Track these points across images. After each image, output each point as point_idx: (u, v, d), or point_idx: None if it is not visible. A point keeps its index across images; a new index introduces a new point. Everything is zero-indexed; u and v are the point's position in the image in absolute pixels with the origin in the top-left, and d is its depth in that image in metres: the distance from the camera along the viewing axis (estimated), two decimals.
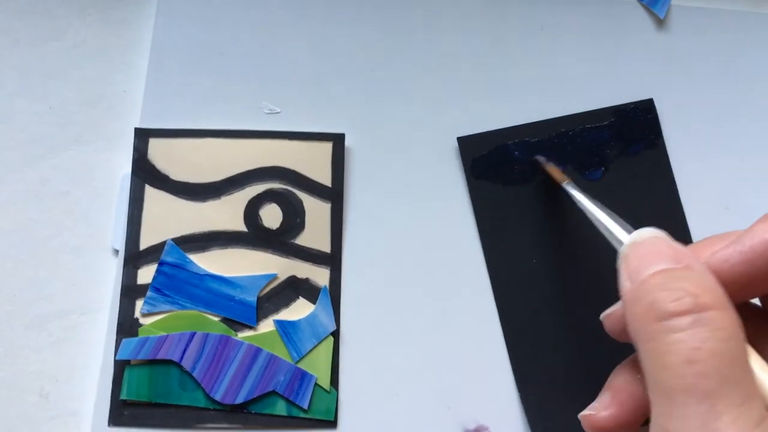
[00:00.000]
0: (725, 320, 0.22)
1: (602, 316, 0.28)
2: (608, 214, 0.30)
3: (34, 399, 0.36)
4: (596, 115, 0.40)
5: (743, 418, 0.20)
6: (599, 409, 0.27)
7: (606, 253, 0.38)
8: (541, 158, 0.39)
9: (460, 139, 0.40)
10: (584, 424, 0.27)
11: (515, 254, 0.38)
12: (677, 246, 0.24)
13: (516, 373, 0.37)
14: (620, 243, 0.27)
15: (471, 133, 0.40)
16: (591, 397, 0.36)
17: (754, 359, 0.23)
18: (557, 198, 0.39)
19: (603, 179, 0.39)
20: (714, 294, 0.22)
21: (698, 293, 0.22)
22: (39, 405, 0.36)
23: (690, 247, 0.25)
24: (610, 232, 0.29)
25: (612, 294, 0.37)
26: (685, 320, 0.22)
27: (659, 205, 0.39)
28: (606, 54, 0.42)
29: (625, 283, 0.25)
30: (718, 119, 0.41)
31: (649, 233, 0.25)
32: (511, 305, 0.38)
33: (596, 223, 0.30)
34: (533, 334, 0.37)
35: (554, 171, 0.37)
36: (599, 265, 0.38)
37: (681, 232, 0.39)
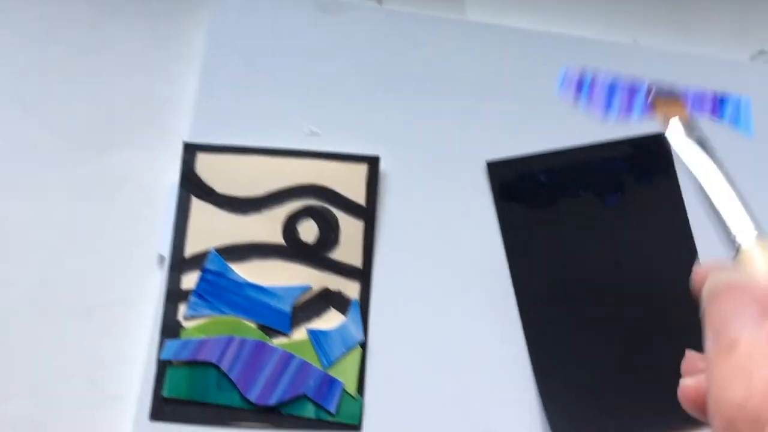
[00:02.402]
0: None
1: (681, 388, 0.27)
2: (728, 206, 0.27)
3: (82, 383, 0.39)
4: (615, 145, 0.43)
5: None
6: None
7: (628, 269, 0.41)
8: (655, 88, 0.36)
9: (490, 164, 0.42)
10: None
11: (540, 272, 0.41)
12: (760, 293, 0.23)
13: (538, 381, 0.39)
14: (735, 239, 0.25)
15: (499, 157, 0.42)
16: (610, 404, 0.37)
17: None
18: (580, 219, 0.41)
19: (619, 205, 0.42)
20: None
21: None
22: (86, 389, 0.39)
23: None
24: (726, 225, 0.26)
25: (634, 309, 0.39)
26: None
27: (671, 231, 0.42)
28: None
29: (709, 349, 0.23)
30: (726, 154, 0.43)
31: (727, 279, 0.24)
32: (536, 320, 0.40)
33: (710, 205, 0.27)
34: (556, 347, 0.40)
35: (672, 105, 0.34)
36: (621, 281, 0.40)
37: (689, 255, 0.41)
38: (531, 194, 0.42)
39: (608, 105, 0.35)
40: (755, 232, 0.25)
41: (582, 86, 0.36)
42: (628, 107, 0.35)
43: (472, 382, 0.39)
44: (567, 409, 0.38)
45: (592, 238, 0.41)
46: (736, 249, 0.25)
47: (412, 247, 0.41)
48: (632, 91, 0.36)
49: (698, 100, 0.35)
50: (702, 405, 0.24)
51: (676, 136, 0.30)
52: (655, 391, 0.38)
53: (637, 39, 0.46)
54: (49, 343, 0.39)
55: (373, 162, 0.41)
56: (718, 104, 0.36)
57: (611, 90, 0.36)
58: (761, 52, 0.46)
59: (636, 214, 0.42)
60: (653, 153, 0.42)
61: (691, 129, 0.30)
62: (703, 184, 0.27)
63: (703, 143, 0.29)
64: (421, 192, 0.42)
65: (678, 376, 0.31)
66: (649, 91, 0.36)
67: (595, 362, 0.39)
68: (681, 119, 0.30)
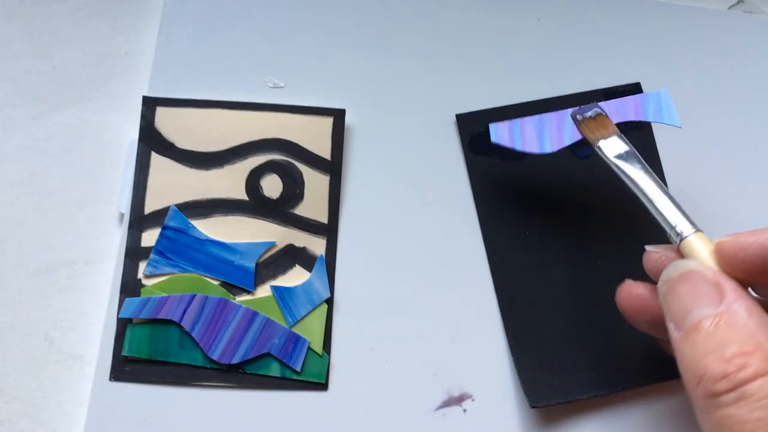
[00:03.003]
0: None
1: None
2: (667, 201, 0.31)
3: (39, 343, 0.38)
4: (587, 96, 0.41)
5: None
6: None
7: (599, 223, 0.40)
8: (579, 114, 0.37)
9: (459, 116, 0.41)
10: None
11: (510, 225, 0.40)
12: (715, 275, 0.26)
13: (510, 338, 0.38)
14: (675, 233, 0.30)
15: (469, 110, 0.41)
16: (585, 360, 0.37)
17: None
18: (551, 172, 0.40)
19: (592, 157, 0.41)
20: (759, 351, 0.23)
21: (742, 360, 0.23)
22: (44, 348, 0.38)
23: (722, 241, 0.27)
24: (665, 219, 0.31)
25: (603, 258, 0.39)
26: (730, 397, 0.23)
27: None
28: (596, 40, 0.43)
29: (673, 333, 0.26)
30: (702, 106, 0.42)
31: (684, 267, 0.27)
32: (506, 274, 0.39)
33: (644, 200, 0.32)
34: (527, 300, 0.39)
35: (599, 124, 0.36)
36: (591, 234, 0.40)
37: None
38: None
39: (541, 143, 0.38)
40: (694, 228, 0.29)
41: (513, 133, 0.38)
42: (560, 138, 0.38)
43: (441, 340, 0.38)
44: (539, 369, 0.37)
45: (563, 191, 0.40)
46: (678, 240, 0.29)
47: (379, 202, 0.40)
48: (559, 123, 0.38)
49: (621, 109, 0.38)
50: (647, 310, 0.30)
51: (608, 152, 0.34)
52: (628, 347, 0.38)
53: None
54: (6, 302, 0.38)
55: (338, 114, 0.40)
56: (640, 106, 0.38)
57: (540, 128, 0.38)
58: (740, 2, 0.45)
59: (609, 167, 0.41)
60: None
61: (621, 141, 0.34)
62: (643, 190, 0.32)
63: (633, 154, 0.33)
64: (388, 146, 0.41)
65: None
66: (574, 118, 0.37)
67: (568, 319, 0.38)
68: (610, 134, 0.35)
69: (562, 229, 0.40)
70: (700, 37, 0.43)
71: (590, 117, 0.37)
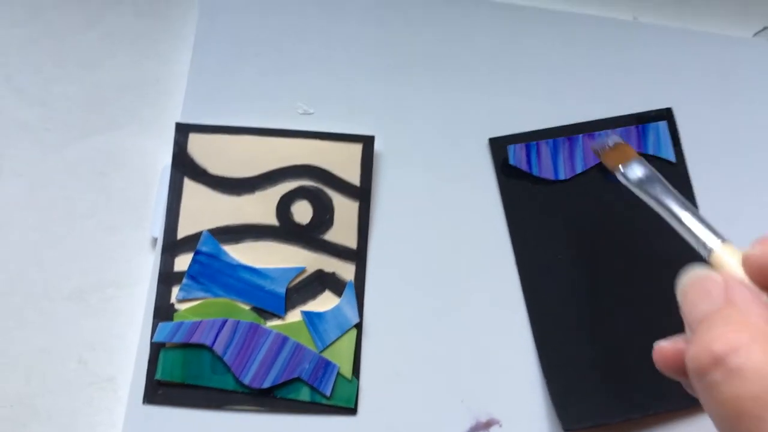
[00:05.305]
0: (760, 355, 0.23)
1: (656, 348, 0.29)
2: (692, 218, 0.31)
3: (73, 365, 0.39)
4: (619, 120, 0.42)
5: None
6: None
7: (630, 247, 0.40)
8: (597, 146, 0.38)
9: (492, 140, 0.41)
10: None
11: (544, 250, 0.40)
12: (725, 278, 0.26)
13: (542, 360, 0.38)
14: (704, 248, 0.29)
15: (499, 135, 0.42)
16: (618, 383, 0.38)
17: None
18: (584, 196, 0.40)
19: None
20: (747, 329, 0.24)
21: (727, 336, 0.23)
22: (77, 371, 0.39)
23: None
24: (695, 236, 0.30)
25: (636, 283, 0.40)
26: (718, 374, 0.23)
27: None
28: (627, 66, 0.43)
29: (687, 334, 0.27)
30: (728, 131, 0.42)
31: (696, 274, 0.27)
32: (540, 298, 0.39)
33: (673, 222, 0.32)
34: (560, 324, 0.39)
35: (619, 152, 0.37)
36: (625, 258, 0.40)
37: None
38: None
39: (555, 169, 0.40)
40: (721, 239, 0.29)
41: (530, 156, 0.40)
42: (571, 166, 0.40)
43: (470, 365, 0.39)
44: (572, 392, 0.38)
45: (596, 215, 0.41)
46: (708, 254, 0.29)
47: (408, 228, 0.40)
48: (572, 149, 0.40)
49: (625, 138, 0.40)
50: (680, 364, 0.27)
51: (629, 177, 0.35)
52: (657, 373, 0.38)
53: (637, 16, 0.45)
54: (42, 326, 0.39)
55: (367, 141, 0.41)
56: (642, 137, 0.40)
57: (554, 153, 0.40)
58: (766, 28, 0.45)
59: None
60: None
61: (641, 165, 0.35)
62: (669, 208, 0.32)
63: (654, 176, 0.34)
64: (416, 171, 0.41)
65: None
66: (594, 151, 0.39)
67: (601, 342, 0.39)
68: (630, 160, 0.35)
69: (595, 254, 0.40)
70: (725, 64, 0.44)
71: (610, 147, 0.37)
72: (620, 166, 0.35)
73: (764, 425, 0.22)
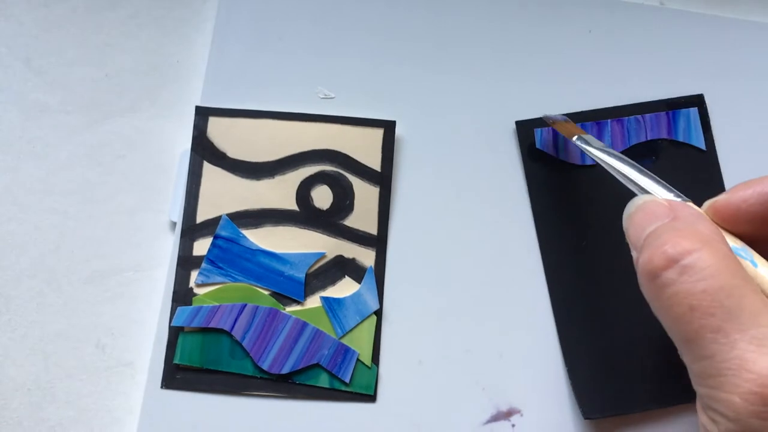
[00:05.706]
0: (710, 256, 0.24)
1: None
2: (624, 166, 0.32)
3: (91, 349, 0.39)
4: (650, 105, 0.41)
5: (758, 335, 0.22)
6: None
7: None
8: (549, 117, 0.40)
9: (519, 123, 0.41)
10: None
11: (569, 236, 0.39)
12: (670, 201, 0.28)
13: (564, 347, 0.38)
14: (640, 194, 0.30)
15: (524, 118, 0.41)
16: (640, 373, 0.37)
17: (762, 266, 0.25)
18: (610, 181, 0.40)
19: (653, 168, 0.40)
20: (696, 236, 0.24)
21: (678, 241, 0.24)
22: (95, 355, 0.38)
23: (722, 195, 0.28)
24: (634, 183, 0.32)
25: None
26: (672, 272, 0.24)
27: (706, 197, 0.40)
28: (655, 52, 0.42)
29: (634, 257, 0.27)
30: (765, 119, 0.42)
31: (642, 199, 0.29)
32: (563, 285, 0.39)
33: (615, 174, 0.33)
34: (583, 311, 0.38)
35: (564, 126, 0.38)
36: None
37: None
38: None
39: (582, 154, 0.40)
40: (679, 196, 0.29)
41: (557, 141, 0.40)
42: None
43: (490, 353, 0.38)
44: (593, 382, 0.37)
45: (622, 202, 0.40)
46: None
47: (429, 214, 0.40)
48: (600, 134, 0.40)
49: (655, 124, 0.40)
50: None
51: (588, 145, 0.35)
52: (679, 364, 0.37)
53: (664, 1, 0.44)
54: (59, 309, 0.39)
55: (389, 126, 0.40)
56: (672, 124, 0.40)
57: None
58: None
59: (669, 178, 0.40)
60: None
61: (594, 138, 0.36)
62: (622, 173, 0.32)
63: (608, 147, 0.35)
64: (438, 156, 0.41)
65: None
66: (546, 120, 0.40)
67: (624, 331, 0.38)
68: (577, 133, 0.36)
69: (620, 241, 0.39)
70: (758, 51, 0.43)
71: (560, 121, 0.38)
72: (576, 135, 0.36)
73: (714, 320, 0.23)
